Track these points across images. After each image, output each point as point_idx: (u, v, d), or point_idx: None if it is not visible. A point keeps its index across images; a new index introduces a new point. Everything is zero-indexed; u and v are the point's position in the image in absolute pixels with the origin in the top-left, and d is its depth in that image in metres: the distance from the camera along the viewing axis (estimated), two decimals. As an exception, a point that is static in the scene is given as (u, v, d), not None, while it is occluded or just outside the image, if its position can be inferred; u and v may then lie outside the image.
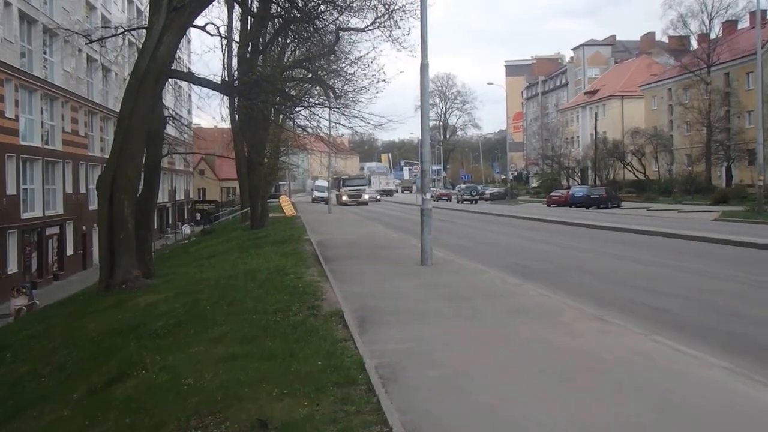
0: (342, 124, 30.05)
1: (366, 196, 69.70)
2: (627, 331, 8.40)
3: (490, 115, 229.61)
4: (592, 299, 11.32)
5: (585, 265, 16.41)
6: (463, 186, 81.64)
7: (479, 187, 78.16)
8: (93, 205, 35.34)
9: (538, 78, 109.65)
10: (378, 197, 78.08)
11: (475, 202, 67.53)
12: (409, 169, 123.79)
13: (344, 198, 68.32)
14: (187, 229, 57.25)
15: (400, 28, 21.37)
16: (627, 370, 6.57)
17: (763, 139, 34.76)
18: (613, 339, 7.93)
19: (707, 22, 55.32)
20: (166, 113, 21.79)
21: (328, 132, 35.90)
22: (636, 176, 63.56)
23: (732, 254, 18.15)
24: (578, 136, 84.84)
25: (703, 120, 54.49)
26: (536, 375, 6.46)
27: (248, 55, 23.02)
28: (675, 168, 61.82)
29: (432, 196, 16.85)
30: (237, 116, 31.03)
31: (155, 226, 42.87)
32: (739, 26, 59.10)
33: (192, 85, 29.83)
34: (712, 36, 56.32)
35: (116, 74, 46.08)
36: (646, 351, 7.36)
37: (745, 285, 12.91)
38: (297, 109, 29.78)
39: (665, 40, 67.85)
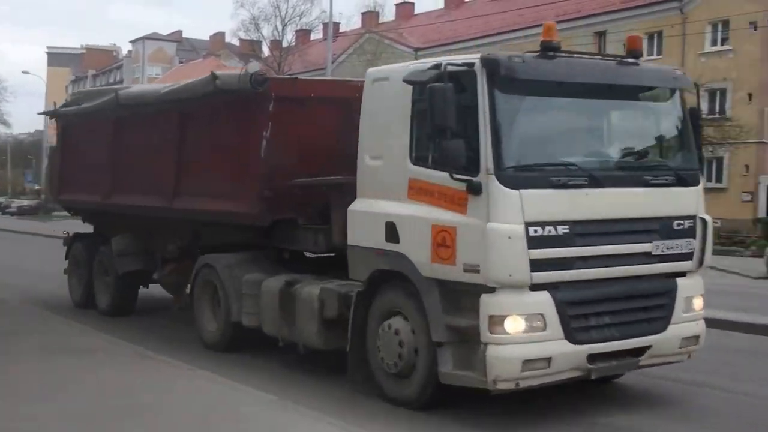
0: None
1: None
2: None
3: (26, 110, 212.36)
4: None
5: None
6: None
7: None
8: None
9: (88, 71, 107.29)
10: None
11: None
12: None
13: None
14: None
15: None
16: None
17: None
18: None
19: (280, 29, 58.07)
20: None
21: None
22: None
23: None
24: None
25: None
26: None
27: None
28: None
29: None
30: None
31: None
32: (312, 37, 63.71)
33: None
34: (285, 44, 59.42)
35: None
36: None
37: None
38: None
39: (236, 42, 69.89)
